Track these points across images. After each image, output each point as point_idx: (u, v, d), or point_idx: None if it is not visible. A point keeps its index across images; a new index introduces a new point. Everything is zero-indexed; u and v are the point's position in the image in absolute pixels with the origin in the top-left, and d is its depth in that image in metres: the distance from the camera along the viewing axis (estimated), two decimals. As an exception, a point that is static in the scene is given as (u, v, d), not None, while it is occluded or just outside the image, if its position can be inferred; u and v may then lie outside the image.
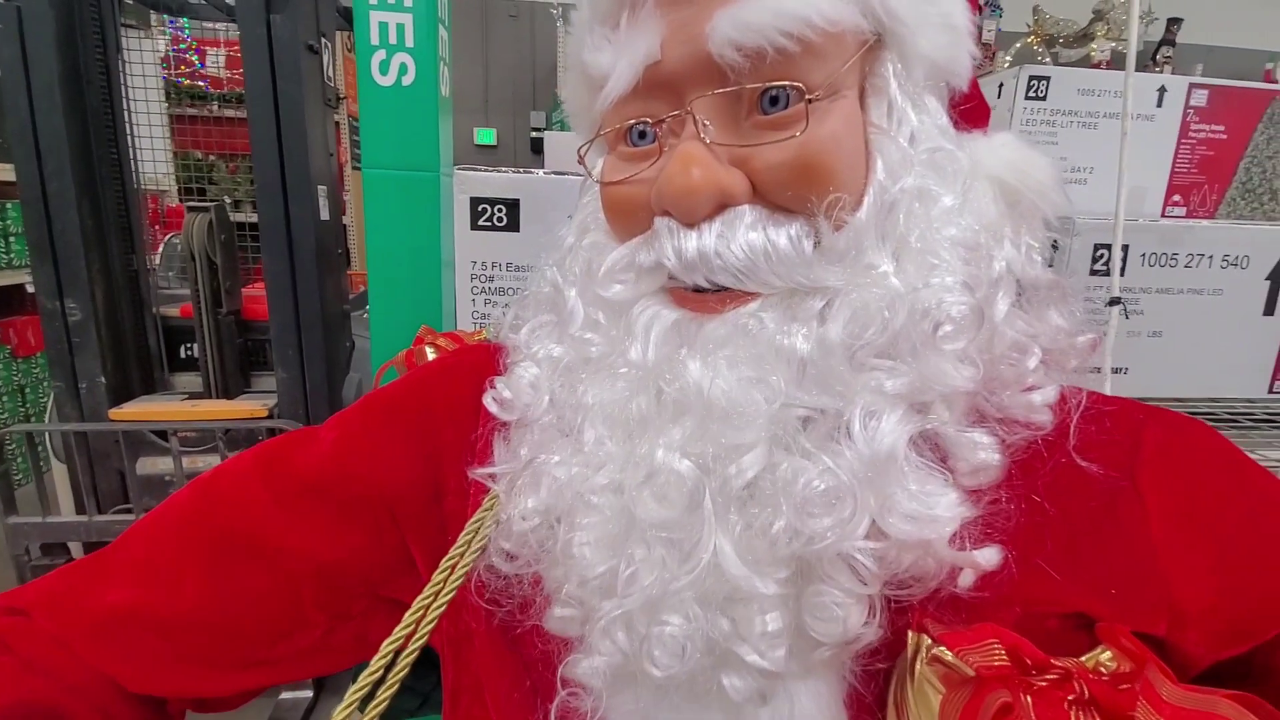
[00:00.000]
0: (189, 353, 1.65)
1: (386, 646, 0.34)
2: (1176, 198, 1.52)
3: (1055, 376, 0.36)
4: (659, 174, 0.33)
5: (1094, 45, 5.88)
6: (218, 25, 3.06)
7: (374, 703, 0.34)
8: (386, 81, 0.63)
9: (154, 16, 1.75)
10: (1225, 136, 1.50)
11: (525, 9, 4.87)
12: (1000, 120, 1.43)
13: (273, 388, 1.57)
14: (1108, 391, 0.42)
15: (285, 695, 1.53)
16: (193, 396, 1.54)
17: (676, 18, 0.32)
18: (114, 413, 1.40)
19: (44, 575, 0.40)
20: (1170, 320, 1.18)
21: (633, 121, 0.34)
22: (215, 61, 4.32)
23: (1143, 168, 1.48)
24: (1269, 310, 1.20)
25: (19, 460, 2.24)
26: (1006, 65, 5.61)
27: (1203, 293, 1.18)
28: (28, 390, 2.77)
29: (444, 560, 0.35)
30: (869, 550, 0.30)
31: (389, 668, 0.34)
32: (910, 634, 0.31)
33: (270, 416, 1.44)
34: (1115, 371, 1.22)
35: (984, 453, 0.32)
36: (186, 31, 4.02)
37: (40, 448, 1.77)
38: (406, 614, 0.34)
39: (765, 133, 0.32)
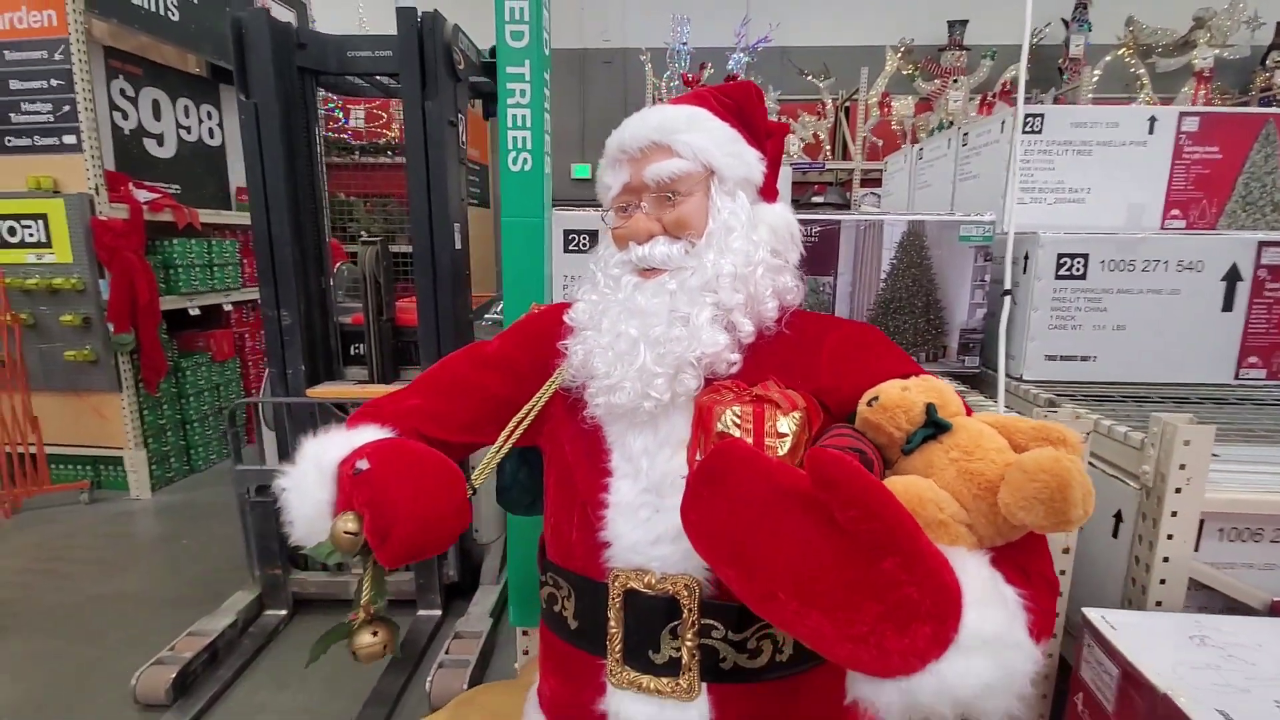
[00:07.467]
0: (356, 351, 2.16)
1: (510, 426, 0.80)
2: (1175, 212, 1.72)
3: (788, 301, 0.79)
4: (628, 224, 0.79)
5: (1195, 53, 5.61)
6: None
7: (502, 442, 0.80)
8: (516, 169, 1.07)
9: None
10: (1220, 156, 1.68)
11: (618, 55, 5.40)
12: (1001, 151, 1.69)
13: (413, 378, 2.06)
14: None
15: (421, 613, 1.98)
16: (360, 383, 2.04)
17: (634, 168, 0.79)
18: (310, 391, 1.92)
19: (388, 394, 0.86)
20: (1132, 316, 1.40)
21: (623, 204, 0.79)
22: (357, 118, 5.08)
23: (1139, 187, 1.70)
24: (1227, 307, 1.40)
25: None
26: (1095, 79, 5.45)
27: (1161, 292, 1.39)
28: (221, 388, 3.47)
29: (547, 382, 0.81)
30: (697, 357, 0.72)
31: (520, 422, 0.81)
32: None
33: (417, 396, 1.91)
34: (1084, 359, 1.45)
35: (747, 327, 0.75)
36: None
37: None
38: (525, 406, 0.82)
39: (667, 209, 0.77)
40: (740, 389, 0.69)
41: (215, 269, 3.34)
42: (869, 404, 0.65)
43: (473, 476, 0.76)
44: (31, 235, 2.61)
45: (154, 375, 2.89)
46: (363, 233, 5.16)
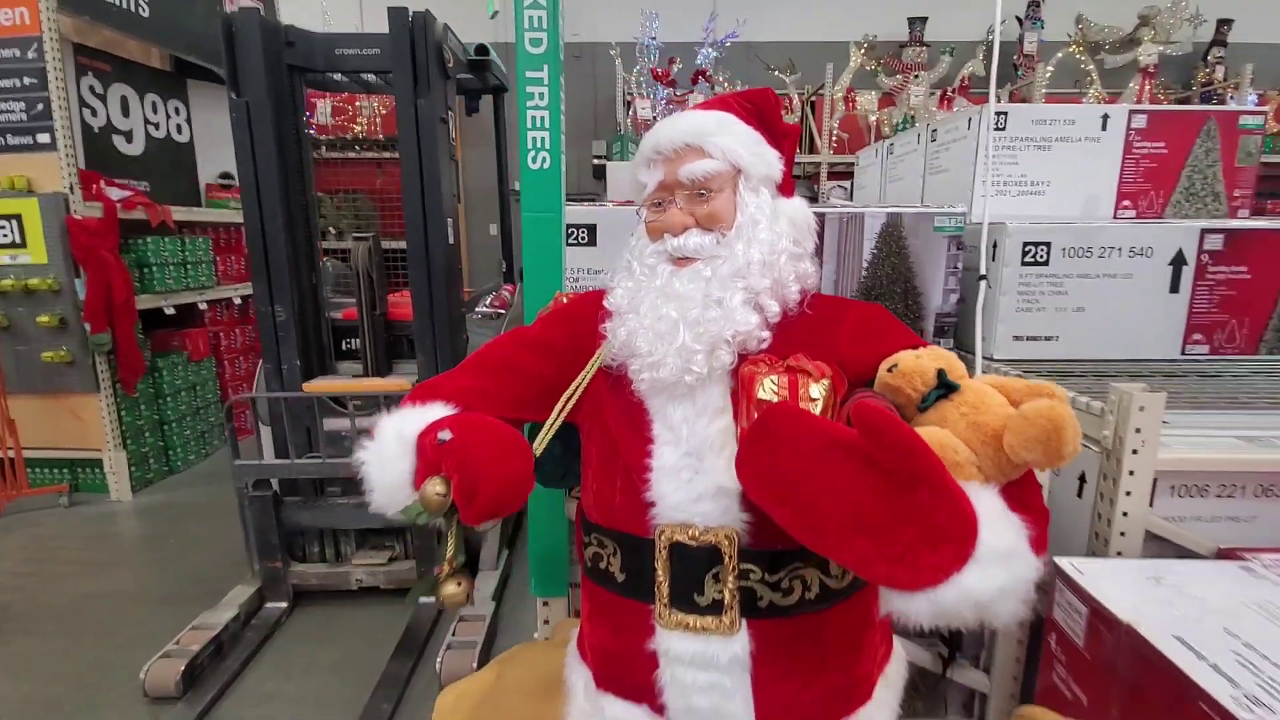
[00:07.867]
0: (348, 346, 2.19)
1: (562, 401, 0.87)
2: (1126, 203, 1.85)
3: (807, 285, 0.87)
4: (663, 218, 0.86)
5: (1140, 50, 5.88)
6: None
7: (556, 416, 0.87)
8: (535, 166, 1.13)
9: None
10: (1166, 151, 1.82)
11: (587, 50, 5.43)
12: (969, 147, 1.80)
13: (408, 371, 2.10)
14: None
15: (423, 600, 2.03)
16: (355, 377, 2.07)
17: (669, 168, 0.85)
18: (307, 386, 1.94)
19: (440, 374, 0.92)
20: (1090, 299, 1.53)
21: (658, 200, 0.86)
22: (323, 112, 5.01)
23: (1093, 180, 1.83)
24: (1174, 289, 1.53)
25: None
26: (1048, 74, 5.67)
27: (1115, 276, 1.52)
28: (198, 388, 3.44)
29: (590, 362, 0.88)
30: (731, 335, 0.79)
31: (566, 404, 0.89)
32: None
33: (415, 388, 1.96)
34: (1048, 339, 1.57)
35: (774, 308, 0.82)
36: (302, 88, 4.67)
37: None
38: (571, 385, 0.88)
39: (700, 204, 0.85)
40: (774, 361, 0.78)
41: (189, 267, 3.31)
42: (889, 370, 0.76)
43: (533, 446, 0.83)
44: (5, 236, 2.56)
45: (131, 376, 2.85)
46: (330, 228, 5.10)
